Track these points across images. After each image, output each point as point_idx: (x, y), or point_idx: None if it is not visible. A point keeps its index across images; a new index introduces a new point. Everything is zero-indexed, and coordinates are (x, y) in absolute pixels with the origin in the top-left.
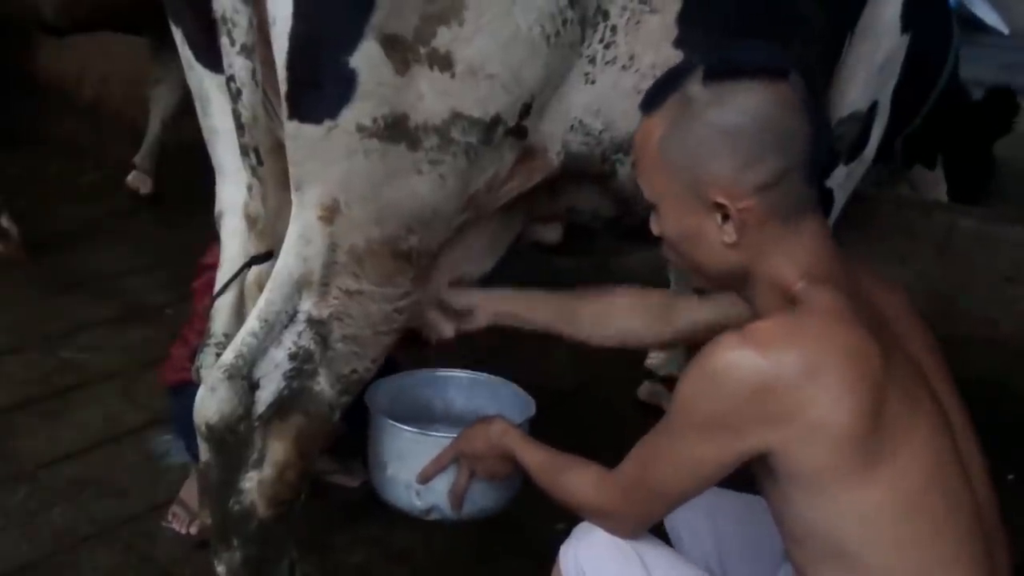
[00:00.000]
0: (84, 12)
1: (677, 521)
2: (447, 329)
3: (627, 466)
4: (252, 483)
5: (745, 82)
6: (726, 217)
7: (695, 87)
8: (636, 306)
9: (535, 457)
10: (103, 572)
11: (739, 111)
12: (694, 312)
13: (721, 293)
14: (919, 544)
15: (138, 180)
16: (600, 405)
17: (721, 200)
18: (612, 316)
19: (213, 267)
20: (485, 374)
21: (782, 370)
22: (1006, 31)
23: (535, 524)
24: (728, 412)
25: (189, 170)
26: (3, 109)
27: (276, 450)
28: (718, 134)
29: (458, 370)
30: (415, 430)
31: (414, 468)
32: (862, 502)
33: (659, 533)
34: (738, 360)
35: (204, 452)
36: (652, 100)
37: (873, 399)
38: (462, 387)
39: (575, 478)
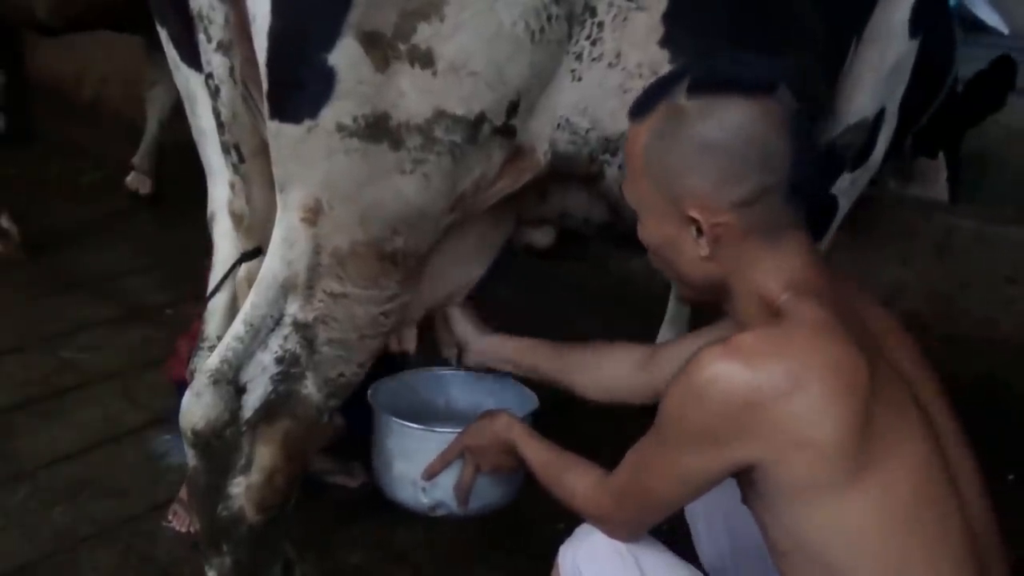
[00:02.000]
0: (77, 11)
1: (695, 514)
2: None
3: (619, 473)
4: (240, 488)
5: (730, 97)
6: (700, 231)
7: (681, 98)
8: (622, 361)
9: (538, 454)
10: (103, 572)
11: (721, 127)
12: (673, 359)
13: (703, 334)
14: (906, 559)
15: (137, 181)
16: (598, 409)
17: (694, 214)
18: (604, 369)
19: None
20: (490, 373)
21: (768, 383)
22: (1006, 31)
23: (536, 524)
24: (714, 425)
25: (188, 170)
26: (2, 109)
27: (264, 455)
28: (698, 148)
29: (460, 368)
30: (421, 427)
31: (420, 465)
32: (849, 516)
33: (680, 522)
34: (724, 373)
35: (191, 457)
36: (640, 107)
37: (859, 413)
38: (464, 385)
39: (574, 479)
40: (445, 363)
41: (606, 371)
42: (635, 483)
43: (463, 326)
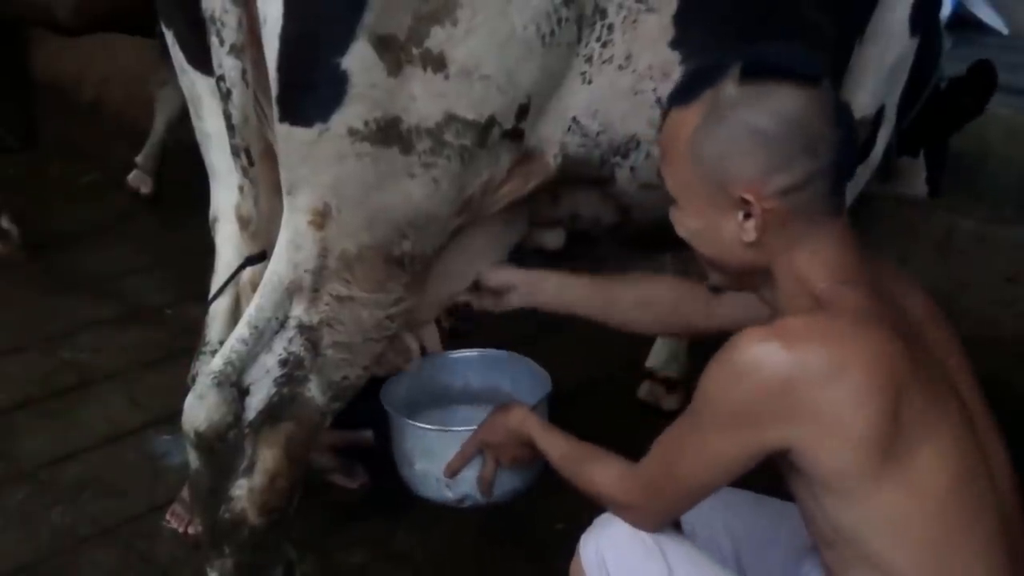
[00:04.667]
0: (99, 12)
1: (693, 519)
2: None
3: (650, 460)
4: (242, 491)
5: (780, 84)
6: (748, 215)
7: (731, 85)
8: (678, 294)
9: (556, 448)
10: (103, 572)
11: (773, 113)
12: (733, 309)
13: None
14: (944, 546)
15: (139, 180)
16: (600, 406)
17: (747, 198)
18: (654, 303)
19: None
20: (498, 350)
21: (806, 368)
22: (1006, 31)
23: (535, 524)
24: (750, 406)
25: (189, 171)
26: (3, 109)
27: (266, 458)
28: (750, 134)
29: (470, 350)
30: (436, 428)
31: (440, 463)
32: (886, 504)
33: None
34: (763, 355)
35: (194, 460)
36: (686, 92)
37: (895, 401)
38: (477, 366)
39: (598, 471)
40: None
41: (660, 307)
42: (667, 469)
43: (503, 272)
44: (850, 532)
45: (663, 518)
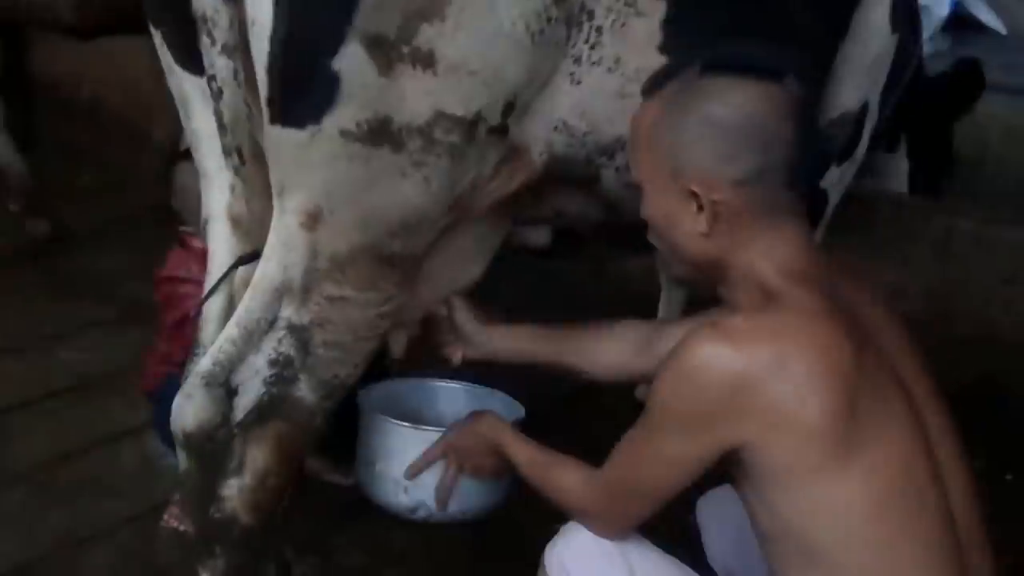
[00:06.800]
0: (99, 14)
1: (705, 515)
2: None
3: (609, 467)
4: (232, 491)
5: (738, 79)
6: (700, 207)
7: (691, 78)
8: (624, 338)
9: (524, 453)
10: (102, 573)
11: (727, 106)
12: (675, 339)
13: (696, 316)
14: (887, 544)
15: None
16: (600, 409)
17: (695, 189)
18: (604, 349)
19: (171, 280)
20: (477, 385)
21: (753, 364)
22: (1004, 31)
23: (532, 526)
24: (703, 408)
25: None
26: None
27: (256, 457)
28: (703, 125)
29: (450, 380)
30: (408, 425)
31: (403, 464)
32: (833, 499)
33: (684, 524)
34: (710, 356)
35: (183, 460)
36: (652, 85)
37: (843, 395)
38: (453, 397)
39: (563, 477)
40: (440, 368)
41: (608, 351)
42: (626, 473)
43: (465, 316)
44: (795, 528)
45: (625, 523)
